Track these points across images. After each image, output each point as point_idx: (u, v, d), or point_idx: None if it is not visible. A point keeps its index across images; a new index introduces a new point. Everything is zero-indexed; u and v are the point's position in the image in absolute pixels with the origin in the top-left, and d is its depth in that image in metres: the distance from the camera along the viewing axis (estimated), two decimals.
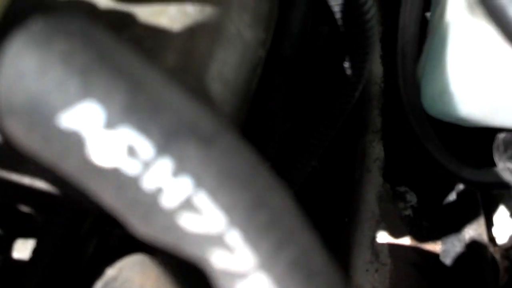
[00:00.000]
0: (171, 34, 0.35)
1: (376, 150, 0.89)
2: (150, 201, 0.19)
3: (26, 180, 0.34)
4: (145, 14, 0.36)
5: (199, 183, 0.19)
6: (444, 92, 0.55)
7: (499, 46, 0.48)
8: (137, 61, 0.20)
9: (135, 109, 0.19)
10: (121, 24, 0.35)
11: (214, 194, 0.19)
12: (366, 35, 0.51)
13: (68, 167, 0.19)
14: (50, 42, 0.18)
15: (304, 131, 0.61)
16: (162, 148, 0.19)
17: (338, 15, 0.51)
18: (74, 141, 0.19)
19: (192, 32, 0.36)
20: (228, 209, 0.19)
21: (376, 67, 0.98)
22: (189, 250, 0.20)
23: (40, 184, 0.34)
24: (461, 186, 0.85)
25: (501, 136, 0.62)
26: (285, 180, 0.63)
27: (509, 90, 0.52)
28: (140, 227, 0.20)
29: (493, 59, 0.51)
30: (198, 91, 0.35)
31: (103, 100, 0.19)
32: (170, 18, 0.36)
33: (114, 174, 0.19)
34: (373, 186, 0.87)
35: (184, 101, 0.20)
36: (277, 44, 0.74)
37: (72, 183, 0.20)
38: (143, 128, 0.19)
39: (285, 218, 0.20)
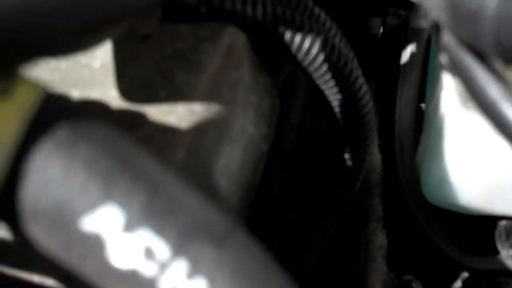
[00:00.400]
0: (179, 132, 0.37)
1: (379, 239, 0.89)
2: None
3: (36, 278, 0.34)
4: (154, 113, 0.38)
5: (213, 285, 0.20)
6: (443, 181, 0.56)
7: (495, 137, 0.50)
8: (154, 165, 0.21)
9: (153, 212, 0.20)
10: (132, 123, 0.37)
11: None
12: (365, 127, 0.53)
13: (87, 270, 0.20)
14: (74, 148, 0.20)
15: (308, 223, 0.62)
16: (178, 250, 0.20)
17: (336, 109, 0.52)
18: (95, 244, 0.20)
19: (200, 129, 0.38)
20: None
21: (374, 157, 1.00)
22: None
23: (49, 282, 0.34)
24: (466, 274, 0.84)
25: (503, 223, 0.62)
26: (290, 272, 0.63)
27: (505, 179, 0.53)
28: None
29: (490, 150, 0.52)
30: (206, 186, 0.36)
31: (123, 203, 0.19)
32: (178, 116, 0.38)
33: (132, 276, 0.20)
34: (377, 275, 0.86)
35: (197, 202, 0.21)
36: (277, 137, 0.76)
37: (90, 285, 0.20)
38: (160, 230, 0.20)
39: None
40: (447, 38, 0.33)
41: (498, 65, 0.32)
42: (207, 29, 0.43)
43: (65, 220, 0.19)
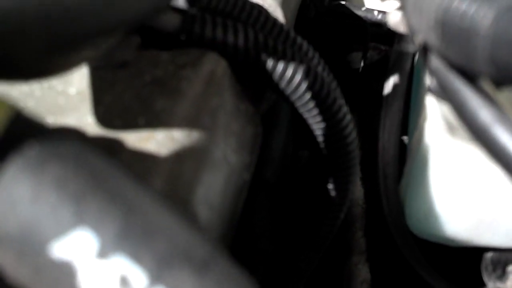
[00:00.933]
0: (158, 159, 0.35)
1: (362, 272, 0.88)
2: None
3: None
4: (132, 140, 0.36)
5: None
6: (428, 213, 0.55)
7: (481, 166, 0.49)
8: (130, 184, 0.20)
9: (129, 236, 0.18)
10: (109, 150, 0.35)
11: None
12: (348, 157, 0.52)
13: None
14: (43, 167, 0.18)
15: (291, 256, 0.60)
16: (156, 277, 0.18)
17: (320, 138, 0.51)
18: (66, 272, 0.18)
19: (179, 157, 0.36)
20: None
21: (357, 190, 0.99)
22: None
23: None
24: None
25: (489, 255, 0.62)
26: None
27: (493, 210, 0.52)
28: None
29: (476, 180, 0.52)
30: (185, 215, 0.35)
31: (96, 227, 0.18)
32: (157, 143, 0.36)
33: None
34: None
35: (177, 226, 0.20)
36: (259, 168, 0.75)
37: None
38: (137, 256, 0.18)
39: None
40: (435, 62, 0.32)
41: (489, 88, 0.32)
42: (187, 56, 0.42)
43: (33, 245, 0.18)
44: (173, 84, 0.40)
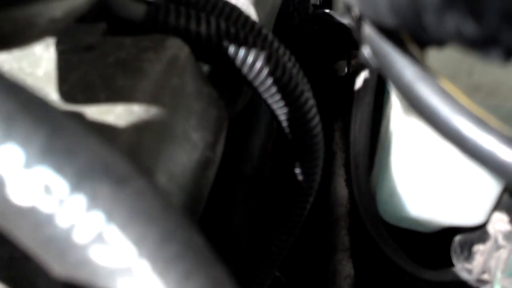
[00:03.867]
0: (117, 130, 0.38)
1: (346, 268, 0.90)
2: (65, 237, 0.20)
3: None
4: (93, 113, 0.38)
5: (110, 218, 0.20)
6: (393, 194, 0.57)
7: (439, 144, 0.51)
8: (56, 112, 0.22)
9: (53, 151, 0.20)
10: None
11: (124, 228, 0.20)
12: (313, 141, 0.55)
13: None
14: None
15: (263, 239, 0.62)
16: (76, 186, 0.20)
17: (284, 123, 0.54)
18: None
19: (138, 128, 0.39)
20: (138, 242, 0.20)
21: (341, 190, 1.01)
22: (101, 284, 0.20)
23: None
24: None
25: (457, 238, 0.63)
26: None
27: (453, 189, 0.54)
28: (56, 265, 0.21)
29: (434, 159, 0.54)
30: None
31: (23, 143, 0.20)
32: (116, 116, 0.38)
33: (32, 213, 0.20)
34: None
35: (99, 146, 0.22)
36: (238, 164, 0.77)
37: None
38: (59, 168, 0.20)
39: (193, 251, 0.21)
40: (367, 29, 0.35)
41: (416, 50, 0.34)
42: (150, 40, 0.45)
43: None
44: (135, 65, 0.42)
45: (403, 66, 0.33)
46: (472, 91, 0.38)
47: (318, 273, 0.90)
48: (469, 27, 0.21)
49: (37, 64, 0.43)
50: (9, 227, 0.21)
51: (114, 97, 0.40)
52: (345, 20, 1.24)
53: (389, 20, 0.28)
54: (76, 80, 0.41)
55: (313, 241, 0.95)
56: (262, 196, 0.79)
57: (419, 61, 0.33)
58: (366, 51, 0.36)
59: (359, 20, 0.37)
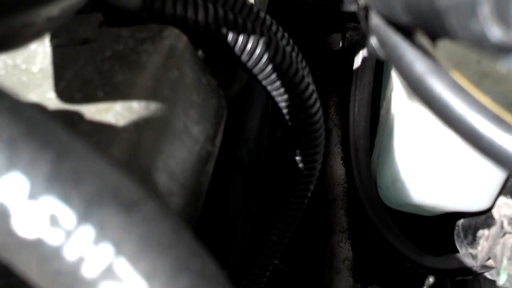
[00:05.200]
0: (116, 129, 0.37)
1: (344, 250, 0.89)
2: (73, 271, 0.19)
3: None
4: (91, 112, 0.37)
5: (120, 250, 0.19)
6: (396, 180, 0.56)
7: (442, 129, 0.50)
8: (61, 132, 0.21)
9: (58, 179, 0.19)
10: (68, 122, 0.36)
11: (134, 261, 0.19)
12: (313, 128, 0.54)
13: None
14: None
15: (263, 228, 0.61)
16: (83, 216, 0.19)
17: (284, 110, 0.53)
18: (0, 213, 0.19)
19: (138, 126, 0.37)
20: (149, 276, 0.19)
21: (338, 169, 1.01)
22: None
23: None
24: (431, 280, 0.85)
25: (460, 222, 0.63)
26: (246, 279, 0.62)
27: (456, 174, 0.54)
28: None
29: (438, 144, 0.53)
30: (143, 182, 0.36)
31: (28, 171, 0.19)
32: (115, 114, 0.37)
33: (38, 245, 0.19)
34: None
35: (106, 169, 0.21)
36: (234, 149, 0.76)
37: None
38: (65, 196, 0.19)
39: (207, 280, 0.20)
40: (375, 19, 0.33)
41: (426, 42, 0.33)
42: (147, 31, 0.43)
43: None
44: (133, 58, 0.41)
45: (413, 58, 0.32)
46: (480, 78, 0.37)
47: (314, 256, 0.90)
48: (495, 33, 0.20)
49: (32, 60, 0.42)
50: (14, 260, 0.20)
51: (112, 94, 0.38)
52: (351, 7, 1.22)
53: (404, 19, 0.27)
54: (72, 76, 0.40)
55: (309, 223, 0.94)
56: (260, 181, 0.79)
57: (429, 54, 0.32)
58: (373, 41, 0.35)
59: (365, 9, 0.35)
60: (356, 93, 0.70)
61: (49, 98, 0.39)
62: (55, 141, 0.20)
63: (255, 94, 0.82)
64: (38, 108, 0.22)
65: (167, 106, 0.40)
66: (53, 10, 0.30)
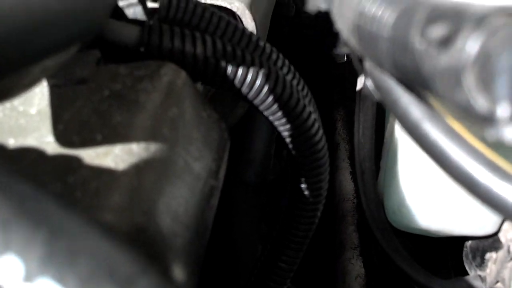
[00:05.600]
0: (116, 173, 0.36)
1: (356, 267, 0.88)
2: None
3: None
4: (90, 156, 0.37)
5: None
6: (402, 205, 0.56)
7: None
8: (55, 208, 0.20)
9: (53, 260, 0.19)
10: (67, 168, 0.36)
11: None
12: (316, 156, 0.53)
13: None
14: None
15: (273, 255, 0.61)
16: None
17: (287, 139, 0.52)
18: None
19: (138, 169, 0.37)
20: None
21: (347, 184, 1.00)
22: None
23: None
24: None
25: (468, 244, 0.62)
26: None
27: (461, 199, 0.53)
28: None
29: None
30: (146, 226, 0.35)
31: (22, 253, 0.19)
32: (115, 158, 0.37)
33: None
34: None
35: (101, 246, 0.20)
36: (240, 172, 0.75)
37: None
38: (61, 277, 0.19)
39: None
40: (368, 63, 0.33)
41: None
42: (145, 68, 0.43)
43: None
44: (131, 97, 0.40)
45: (408, 103, 0.31)
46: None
47: (326, 274, 0.89)
48: (480, 103, 0.20)
49: (29, 101, 0.41)
50: None
51: (111, 136, 0.38)
52: (344, 50, 1.22)
53: (391, 72, 0.27)
54: (70, 118, 0.39)
55: (319, 240, 0.93)
56: (269, 200, 0.78)
57: (424, 99, 0.31)
58: (368, 83, 0.34)
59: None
60: (360, 114, 0.69)
61: (48, 142, 0.38)
62: (48, 219, 0.20)
63: (259, 115, 0.81)
64: (26, 181, 0.21)
65: (168, 146, 0.40)
66: (48, 63, 0.30)
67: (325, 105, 1.13)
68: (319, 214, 0.58)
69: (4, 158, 0.37)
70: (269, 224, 0.78)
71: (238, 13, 0.69)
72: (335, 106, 1.19)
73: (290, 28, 1.20)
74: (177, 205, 0.39)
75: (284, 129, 0.51)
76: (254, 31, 0.71)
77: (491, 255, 0.58)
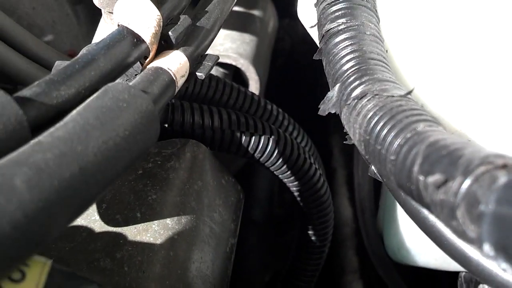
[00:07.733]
0: (155, 247, 0.42)
1: None
2: None
3: None
4: (132, 233, 0.43)
5: None
6: (401, 247, 0.61)
7: None
8: None
9: None
10: (114, 245, 0.42)
11: None
12: (322, 207, 0.59)
13: None
14: None
15: None
16: None
17: (295, 193, 0.58)
18: None
19: (173, 241, 0.43)
20: None
21: (344, 210, 1.05)
22: None
23: None
24: None
25: (463, 274, 0.68)
26: None
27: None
28: None
29: None
30: None
31: None
32: (153, 233, 0.43)
33: None
34: None
35: None
36: (247, 212, 0.81)
37: None
38: None
39: None
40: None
41: None
42: (172, 147, 0.49)
43: None
44: (161, 175, 0.47)
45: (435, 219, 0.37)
46: None
47: None
48: (471, 233, 0.25)
49: None
50: None
51: (148, 214, 0.44)
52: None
53: (397, 188, 0.32)
54: (112, 197, 0.46)
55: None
56: (277, 233, 0.84)
57: None
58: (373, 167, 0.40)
59: None
60: (359, 156, 0.75)
61: (94, 220, 0.45)
62: None
63: None
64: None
65: (195, 216, 0.46)
66: None
67: (322, 131, 1.18)
68: (325, 256, 0.65)
69: (59, 237, 0.43)
70: (277, 255, 0.84)
71: (243, 69, 0.75)
72: (331, 132, 1.24)
73: (285, 58, 1.25)
74: (206, 268, 0.46)
75: (292, 185, 0.58)
76: (258, 83, 0.77)
77: (483, 286, 0.63)
